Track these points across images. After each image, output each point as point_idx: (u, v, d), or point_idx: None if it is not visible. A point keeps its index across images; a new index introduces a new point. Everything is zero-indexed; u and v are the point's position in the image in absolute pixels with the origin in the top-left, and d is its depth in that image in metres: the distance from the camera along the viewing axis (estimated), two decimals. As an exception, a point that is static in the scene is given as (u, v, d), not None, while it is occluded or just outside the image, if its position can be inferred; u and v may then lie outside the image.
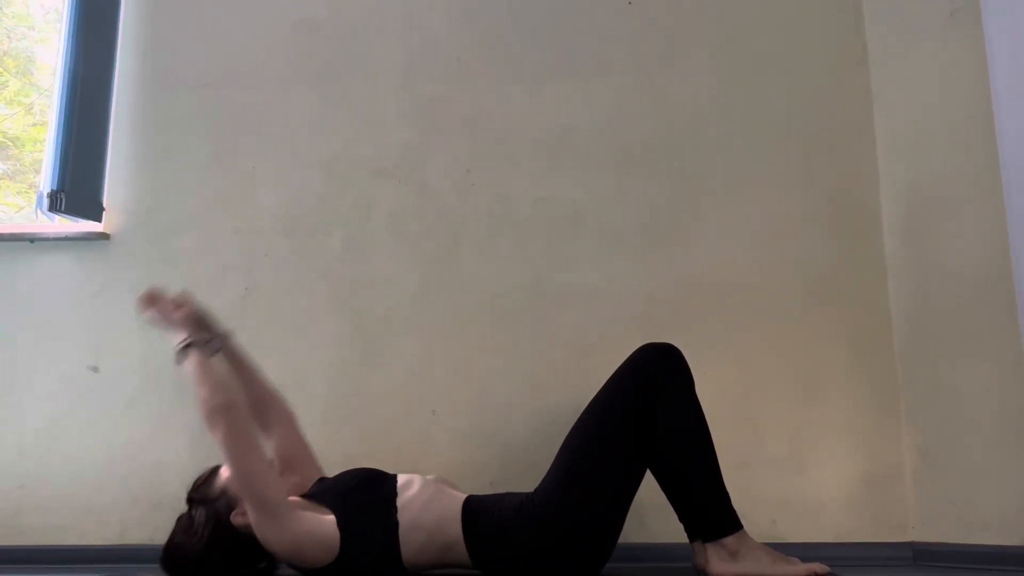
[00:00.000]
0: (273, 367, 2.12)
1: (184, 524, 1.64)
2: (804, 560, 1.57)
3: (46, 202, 2.18)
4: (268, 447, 1.76)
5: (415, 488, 1.59)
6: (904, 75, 2.11)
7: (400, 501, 1.56)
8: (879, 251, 2.13)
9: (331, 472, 1.77)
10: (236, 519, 1.59)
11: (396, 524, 1.53)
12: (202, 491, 1.66)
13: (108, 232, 2.24)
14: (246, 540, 1.58)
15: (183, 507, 2.04)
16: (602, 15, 2.30)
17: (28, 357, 2.18)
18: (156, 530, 2.04)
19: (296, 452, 1.80)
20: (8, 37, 2.72)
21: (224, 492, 1.62)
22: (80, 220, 2.23)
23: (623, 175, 2.21)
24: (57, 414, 2.15)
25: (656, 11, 2.30)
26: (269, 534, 1.53)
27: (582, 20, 2.30)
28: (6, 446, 2.13)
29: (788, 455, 2.05)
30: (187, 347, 1.61)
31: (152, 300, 1.70)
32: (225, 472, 1.65)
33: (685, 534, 1.63)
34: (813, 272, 2.14)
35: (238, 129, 2.29)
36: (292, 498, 1.61)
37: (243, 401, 1.61)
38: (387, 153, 2.25)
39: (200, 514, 1.62)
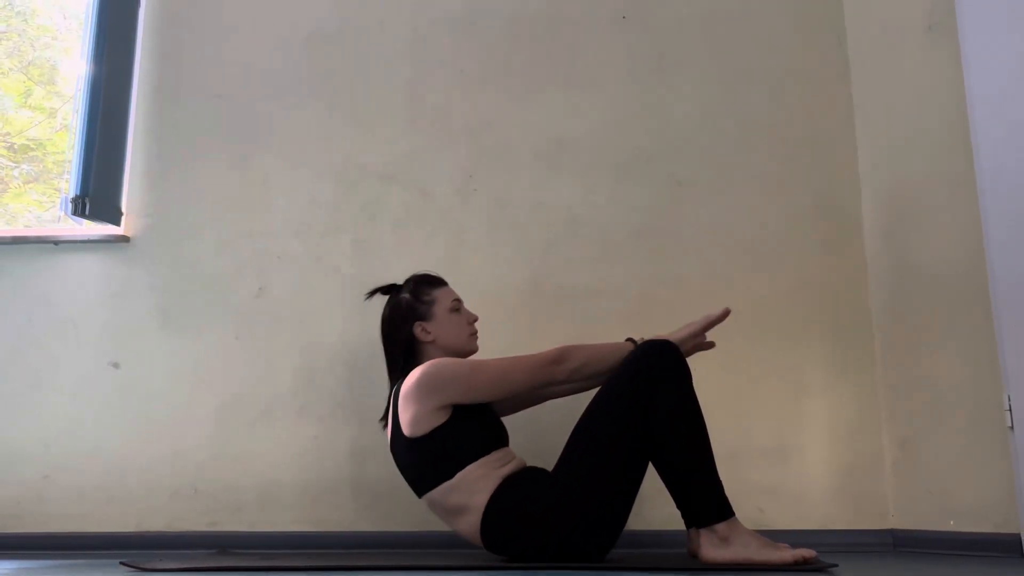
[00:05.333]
0: (285, 363, 2.22)
1: (389, 289, 1.85)
2: (791, 547, 1.60)
3: (70, 207, 2.25)
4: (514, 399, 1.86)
5: (491, 467, 1.64)
6: (884, 87, 2.18)
7: (473, 463, 1.63)
8: (860, 253, 2.22)
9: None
10: (418, 329, 1.76)
11: (458, 467, 1.62)
12: (421, 286, 1.82)
13: (128, 235, 2.32)
14: (406, 341, 1.76)
15: (198, 497, 2.14)
16: (598, 29, 2.39)
17: (52, 354, 2.26)
18: (173, 519, 2.14)
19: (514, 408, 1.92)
20: (32, 47, 2.79)
21: (432, 303, 1.78)
22: (100, 224, 2.30)
23: (617, 181, 2.30)
24: (80, 408, 2.22)
25: (649, 26, 2.38)
26: (442, 366, 1.64)
27: (579, 34, 2.39)
28: (32, 438, 2.21)
29: (774, 446, 2.12)
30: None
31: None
32: (446, 293, 1.82)
33: (680, 522, 1.66)
34: (797, 273, 2.21)
35: (251, 137, 2.37)
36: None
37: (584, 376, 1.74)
38: (393, 160, 2.33)
39: (405, 300, 1.80)
